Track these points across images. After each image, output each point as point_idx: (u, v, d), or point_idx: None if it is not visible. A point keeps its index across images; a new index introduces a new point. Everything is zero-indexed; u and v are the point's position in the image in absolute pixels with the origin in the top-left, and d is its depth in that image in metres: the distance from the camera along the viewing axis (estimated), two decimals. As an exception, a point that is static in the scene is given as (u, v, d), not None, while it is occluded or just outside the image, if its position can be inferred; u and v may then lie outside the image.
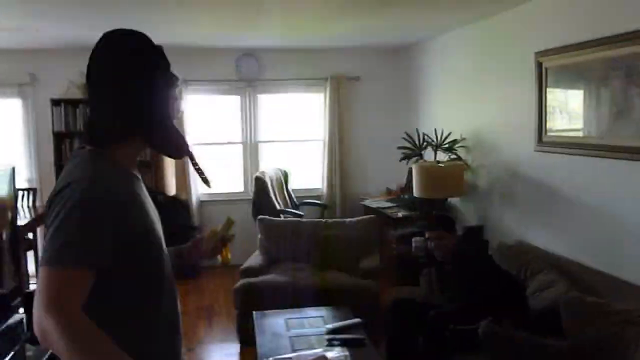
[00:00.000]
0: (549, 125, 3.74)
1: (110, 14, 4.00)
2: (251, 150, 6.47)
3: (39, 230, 5.30)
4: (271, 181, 5.86)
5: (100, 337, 1.10)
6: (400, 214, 5.22)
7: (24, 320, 2.76)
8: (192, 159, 1.49)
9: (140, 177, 1.39)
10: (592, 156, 3.28)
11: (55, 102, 5.73)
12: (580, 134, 3.47)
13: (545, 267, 3.34)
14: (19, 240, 4.33)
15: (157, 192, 5.69)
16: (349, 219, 4.95)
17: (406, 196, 5.47)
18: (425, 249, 3.50)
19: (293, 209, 5.95)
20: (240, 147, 6.47)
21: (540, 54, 3.73)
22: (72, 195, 1.17)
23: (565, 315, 2.73)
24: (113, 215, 1.19)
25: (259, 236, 4.83)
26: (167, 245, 1.40)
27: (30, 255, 5.12)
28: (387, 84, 6.49)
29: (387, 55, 6.44)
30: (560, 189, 3.64)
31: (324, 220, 5.14)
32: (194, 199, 6.22)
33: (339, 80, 6.35)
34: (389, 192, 6.31)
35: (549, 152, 3.73)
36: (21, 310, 2.87)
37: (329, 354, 2.76)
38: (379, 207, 5.56)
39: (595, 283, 3.07)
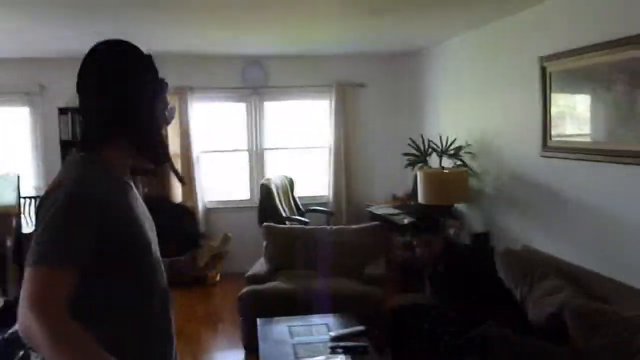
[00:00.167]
0: (553, 130, 3.72)
1: (116, 22, 4.03)
2: (257, 158, 6.48)
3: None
4: (277, 188, 5.87)
5: (84, 337, 1.10)
6: (406, 221, 5.18)
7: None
8: (169, 160, 1.50)
9: (132, 183, 1.40)
10: (597, 161, 3.25)
11: (62, 111, 5.78)
12: (585, 139, 3.44)
13: (552, 273, 3.29)
14: (23, 248, 4.36)
15: (163, 199, 5.70)
16: (354, 226, 4.94)
17: (412, 203, 5.45)
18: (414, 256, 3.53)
19: (299, 216, 5.95)
20: (246, 154, 6.48)
21: (545, 58, 3.71)
22: (57, 196, 1.19)
23: (571, 322, 2.70)
24: (97, 215, 1.20)
25: (265, 243, 4.82)
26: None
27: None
28: (392, 90, 6.48)
29: (392, 62, 6.44)
30: (566, 194, 3.61)
31: (329, 227, 5.13)
32: (200, 206, 6.23)
33: (345, 87, 6.35)
34: (395, 198, 6.29)
35: (554, 157, 3.70)
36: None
37: (331, 362, 2.74)
38: (385, 214, 5.54)
39: (602, 290, 3.02)
